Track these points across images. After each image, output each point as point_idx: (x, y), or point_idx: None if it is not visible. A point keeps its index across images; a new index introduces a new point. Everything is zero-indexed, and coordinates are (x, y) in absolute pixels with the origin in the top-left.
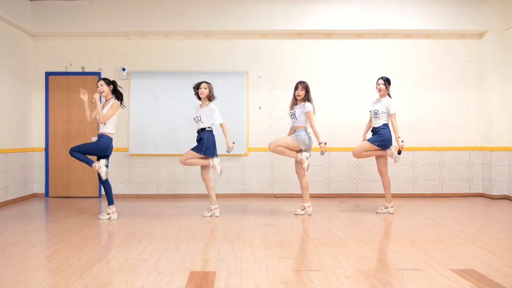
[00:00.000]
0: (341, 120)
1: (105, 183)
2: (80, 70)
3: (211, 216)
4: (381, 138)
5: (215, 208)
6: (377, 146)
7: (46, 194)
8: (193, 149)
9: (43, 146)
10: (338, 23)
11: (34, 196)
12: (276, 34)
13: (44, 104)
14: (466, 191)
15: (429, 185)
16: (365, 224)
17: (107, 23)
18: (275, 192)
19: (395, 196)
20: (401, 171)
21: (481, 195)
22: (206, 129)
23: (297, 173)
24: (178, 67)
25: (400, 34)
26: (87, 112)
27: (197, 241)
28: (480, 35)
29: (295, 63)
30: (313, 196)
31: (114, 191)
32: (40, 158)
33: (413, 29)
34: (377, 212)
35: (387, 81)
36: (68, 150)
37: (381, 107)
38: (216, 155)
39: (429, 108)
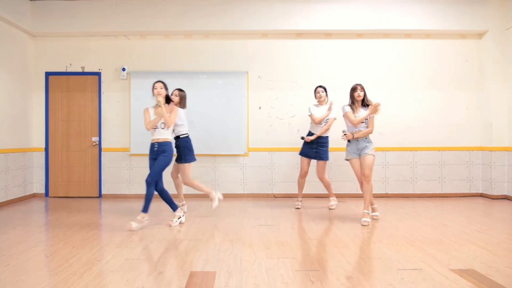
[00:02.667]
0: (340, 120)
1: (162, 191)
2: (80, 70)
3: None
4: (327, 149)
5: (182, 205)
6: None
7: (46, 194)
8: (179, 161)
9: (43, 146)
10: (338, 23)
11: (34, 196)
12: (276, 34)
13: (44, 104)
14: (466, 191)
15: (429, 185)
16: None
17: (107, 23)
18: (275, 192)
19: (395, 196)
20: (401, 171)
21: (481, 195)
22: (180, 136)
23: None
24: (178, 67)
25: (400, 34)
26: (156, 121)
27: (197, 241)
28: (480, 35)
29: (295, 63)
30: (313, 196)
31: (114, 191)
32: (40, 158)
33: (413, 29)
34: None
35: (325, 90)
36: (147, 181)
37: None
38: (195, 159)
39: (429, 108)
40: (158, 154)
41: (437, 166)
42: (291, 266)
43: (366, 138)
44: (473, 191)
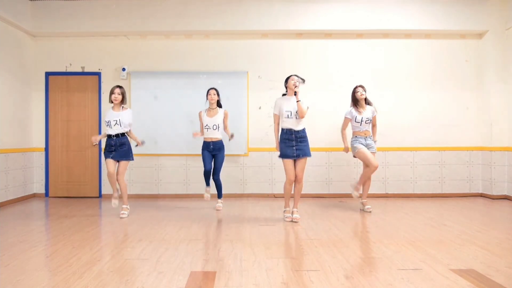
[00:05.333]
0: (341, 120)
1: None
2: (80, 70)
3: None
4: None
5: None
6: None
7: (46, 194)
8: (122, 159)
9: (43, 146)
10: (338, 23)
11: (34, 196)
12: (276, 34)
13: (44, 104)
14: (466, 191)
15: (429, 185)
16: (365, 224)
17: (107, 23)
18: (275, 192)
19: (395, 196)
20: (401, 171)
21: (481, 195)
22: (125, 134)
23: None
24: (178, 67)
25: (400, 34)
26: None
27: (197, 241)
28: (480, 35)
29: (295, 63)
30: (313, 196)
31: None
32: (40, 158)
33: (413, 29)
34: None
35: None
36: (215, 178)
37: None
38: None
39: (429, 108)
40: (215, 151)
41: (437, 166)
42: (291, 266)
43: (371, 136)
44: (473, 191)
